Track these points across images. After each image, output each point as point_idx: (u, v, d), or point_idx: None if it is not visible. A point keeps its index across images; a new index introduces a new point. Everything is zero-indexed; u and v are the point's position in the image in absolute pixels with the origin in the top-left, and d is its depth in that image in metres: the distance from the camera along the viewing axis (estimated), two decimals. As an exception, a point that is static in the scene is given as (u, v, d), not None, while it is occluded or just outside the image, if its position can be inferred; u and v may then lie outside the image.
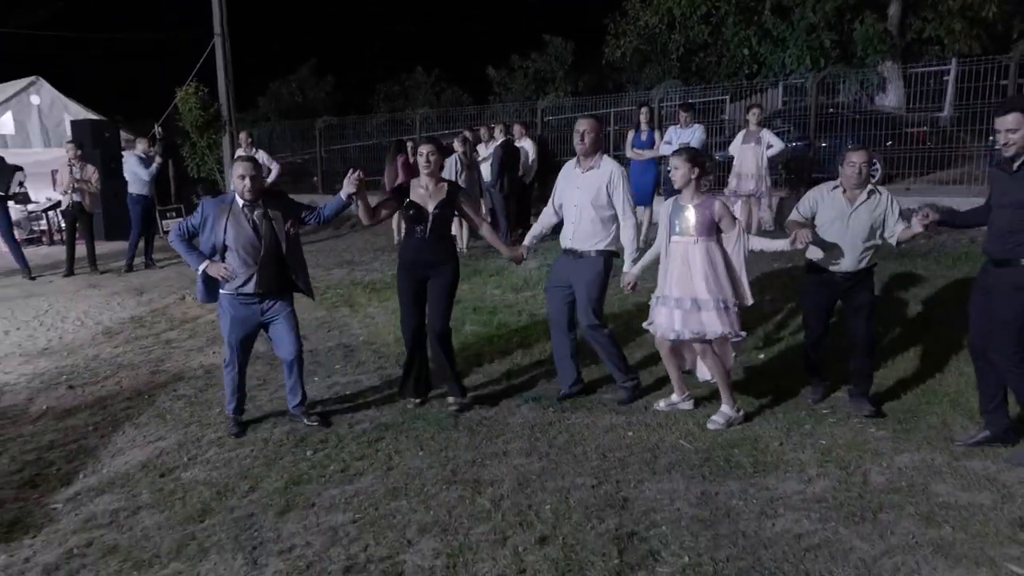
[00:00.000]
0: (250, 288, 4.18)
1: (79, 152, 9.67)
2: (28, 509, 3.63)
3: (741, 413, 4.28)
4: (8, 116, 13.38)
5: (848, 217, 4.22)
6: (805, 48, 13.28)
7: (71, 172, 9.31)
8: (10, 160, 9.54)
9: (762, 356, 5.49)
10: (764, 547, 2.96)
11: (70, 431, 4.71)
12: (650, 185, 8.80)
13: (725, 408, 4.26)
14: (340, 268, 9.50)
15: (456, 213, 4.79)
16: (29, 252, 9.80)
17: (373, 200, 4.63)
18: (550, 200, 4.88)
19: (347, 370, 5.70)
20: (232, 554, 3.04)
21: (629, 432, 4.19)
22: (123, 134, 13.54)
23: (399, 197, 4.64)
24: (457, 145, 9.81)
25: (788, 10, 13.70)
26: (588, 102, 14.80)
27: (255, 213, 4.16)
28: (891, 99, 12.58)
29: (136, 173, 9.91)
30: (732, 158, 8.61)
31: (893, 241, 4.24)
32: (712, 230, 4.17)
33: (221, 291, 4.24)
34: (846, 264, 4.25)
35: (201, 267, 4.17)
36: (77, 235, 9.60)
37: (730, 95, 13.80)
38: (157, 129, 10.49)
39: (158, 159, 10.39)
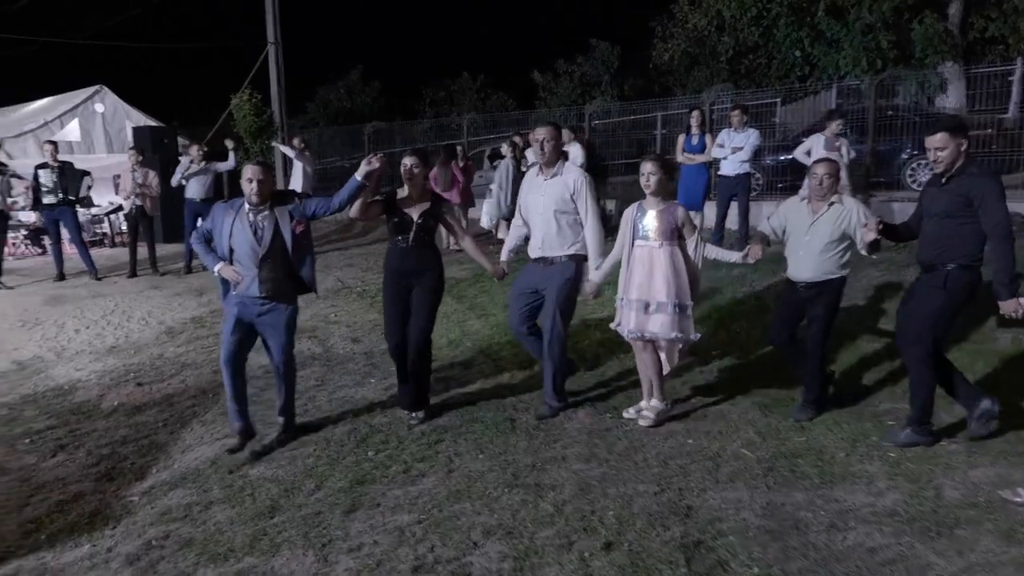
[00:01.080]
0: (253, 291, 4.16)
1: (141, 158, 10.00)
2: (107, 501, 3.78)
3: (669, 406, 4.48)
4: (75, 123, 13.90)
5: (809, 227, 4.29)
6: (861, 49, 13.00)
7: (133, 177, 9.64)
8: (76, 166, 9.92)
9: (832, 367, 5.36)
10: (836, 560, 2.91)
11: (141, 427, 4.87)
12: (701, 190, 8.70)
13: (655, 402, 4.44)
14: (350, 268, 9.66)
15: (439, 223, 4.74)
16: (92, 254, 10.15)
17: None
18: (517, 211, 4.85)
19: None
20: (303, 550, 3.11)
21: (689, 440, 4.16)
22: (180, 140, 13.98)
23: (386, 204, 4.62)
24: (506, 149, 9.86)
25: (843, 11, 13.43)
26: (637, 106, 14.76)
27: (259, 216, 4.13)
28: (952, 101, 12.24)
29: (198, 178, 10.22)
30: (785, 162, 8.45)
31: (863, 251, 4.24)
32: (675, 235, 4.26)
33: (232, 293, 4.25)
34: (807, 274, 4.31)
35: (216, 268, 4.21)
36: (139, 238, 9.92)
37: (781, 98, 13.59)
38: (229, 142, 10.81)
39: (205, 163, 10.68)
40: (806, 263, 4.31)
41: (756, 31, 14.02)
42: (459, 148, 10.62)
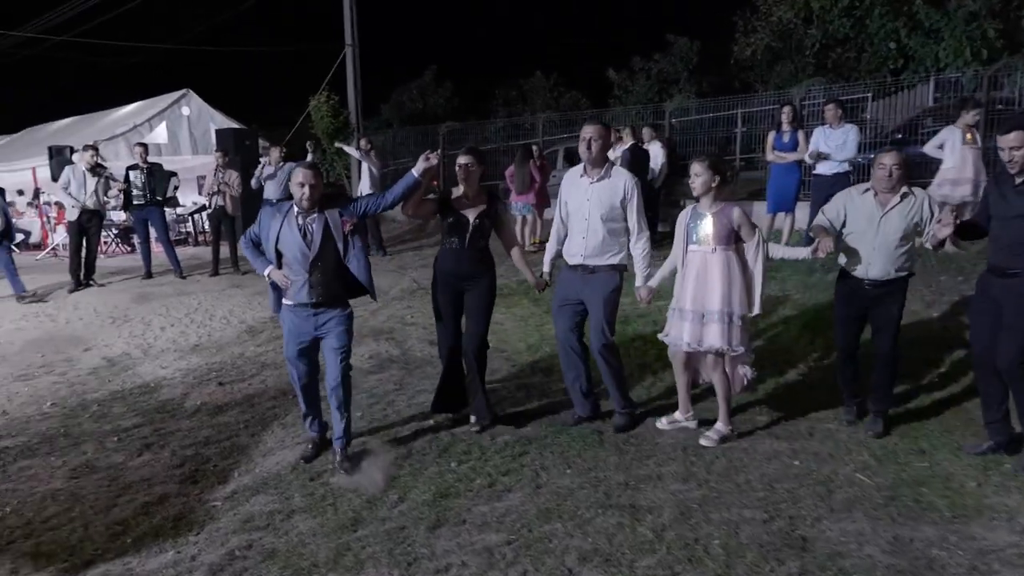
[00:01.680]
0: (304, 298, 3.96)
1: (226, 158, 10.21)
2: (190, 505, 3.74)
3: (734, 432, 4.18)
4: (162, 127, 14.42)
5: (879, 221, 3.99)
6: (964, 39, 12.12)
7: (215, 175, 9.85)
8: (164, 168, 10.22)
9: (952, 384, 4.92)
10: (984, 610, 2.56)
11: (223, 428, 4.86)
12: (792, 190, 8.23)
13: (719, 425, 4.14)
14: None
15: (493, 226, 4.47)
16: (176, 252, 10.39)
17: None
18: (557, 214, 4.50)
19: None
20: (388, 569, 2.96)
21: (795, 461, 3.83)
22: (260, 141, 14.30)
23: (441, 203, 4.43)
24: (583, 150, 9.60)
25: (943, -1, 12.58)
26: (717, 103, 14.22)
27: (308, 219, 3.93)
28: (1068, 93, 11.24)
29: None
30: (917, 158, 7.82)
31: (928, 246, 3.98)
32: (731, 239, 3.98)
33: (283, 301, 4.07)
34: (876, 271, 4.01)
35: (266, 271, 4.03)
36: (221, 237, 10.13)
37: (872, 92, 12.83)
38: (309, 144, 10.99)
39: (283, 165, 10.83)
40: (877, 259, 4.00)
41: (847, 22, 13.28)
42: (535, 147, 10.40)
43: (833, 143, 7.64)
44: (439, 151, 4.27)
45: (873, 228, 4.00)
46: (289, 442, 4.52)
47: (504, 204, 4.77)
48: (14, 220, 16.28)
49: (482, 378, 4.54)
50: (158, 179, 9.58)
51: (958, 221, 3.70)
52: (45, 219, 15.22)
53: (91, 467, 4.36)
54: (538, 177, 10.03)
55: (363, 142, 11.54)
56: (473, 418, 4.52)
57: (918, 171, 9.62)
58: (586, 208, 4.26)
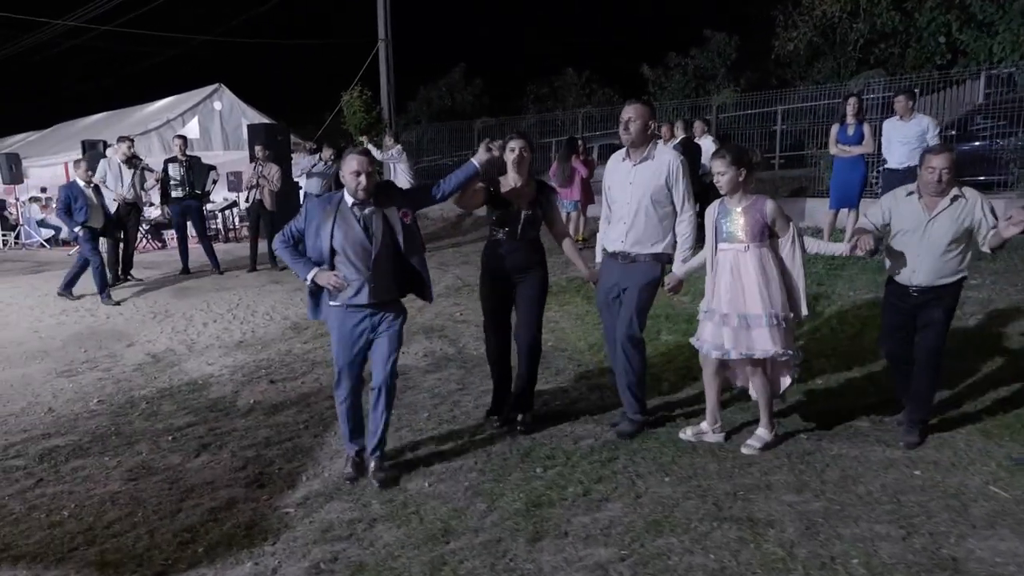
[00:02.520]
0: (363, 299, 3.56)
1: (267, 152, 10.01)
2: (261, 511, 3.48)
3: (775, 436, 3.89)
4: (195, 121, 14.28)
5: (925, 226, 3.73)
6: (1021, 32, 11.69)
7: (255, 168, 9.66)
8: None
9: None
10: None
11: (282, 428, 4.62)
12: (857, 185, 7.86)
13: (762, 431, 3.87)
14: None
15: (544, 217, 4.20)
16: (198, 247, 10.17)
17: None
18: (604, 200, 4.22)
19: (547, 377, 5.33)
20: (494, 587, 2.68)
21: (915, 471, 3.50)
22: (292, 137, 14.13)
23: (488, 191, 4.15)
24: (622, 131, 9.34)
25: (999, -9, 12.16)
26: (760, 97, 13.89)
27: (365, 211, 3.56)
28: None
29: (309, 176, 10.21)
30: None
31: (986, 248, 3.69)
32: (764, 234, 3.68)
33: (331, 303, 3.64)
34: (922, 278, 3.77)
35: (310, 276, 3.58)
36: (259, 233, 9.93)
37: (919, 88, 12.43)
38: (363, 138, 10.83)
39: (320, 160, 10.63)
40: (923, 266, 3.75)
41: (896, 16, 12.90)
42: (580, 141, 10.10)
43: (903, 136, 7.27)
44: (499, 142, 3.96)
45: (919, 233, 3.76)
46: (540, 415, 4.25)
47: (554, 191, 4.46)
48: (43, 216, 16.31)
49: (534, 374, 4.31)
50: (197, 172, 9.39)
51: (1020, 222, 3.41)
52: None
53: (148, 468, 4.12)
54: (583, 172, 9.74)
55: (388, 139, 11.26)
56: (520, 416, 4.29)
57: (970, 170, 9.25)
58: (629, 192, 3.99)
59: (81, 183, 8.19)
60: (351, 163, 3.52)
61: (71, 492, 3.83)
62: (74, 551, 3.20)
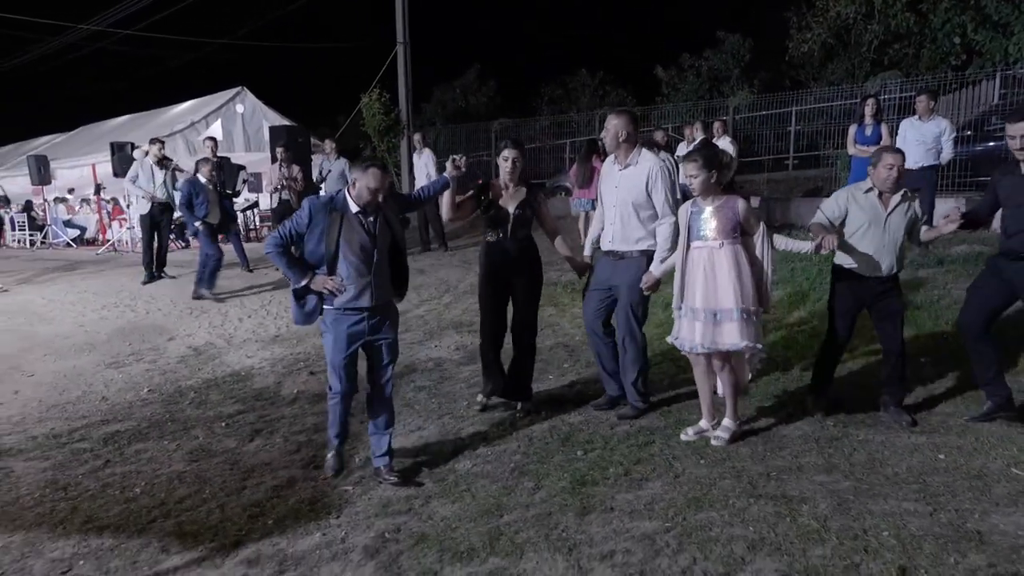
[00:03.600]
0: (364, 302, 3.62)
1: (288, 153, 10.27)
2: (321, 489, 3.71)
3: (741, 427, 4.08)
4: (218, 124, 14.55)
5: (885, 220, 4.05)
6: (1036, 33, 11.80)
7: (280, 170, 9.91)
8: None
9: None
10: None
11: (327, 415, 4.83)
12: (875, 185, 8.03)
13: (727, 422, 4.01)
14: (553, 267, 9.45)
15: (534, 215, 4.47)
16: (228, 248, 10.39)
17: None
18: (598, 201, 4.55)
19: (577, 369, 5.55)
20: (549, 554, 2.89)
21: (939, 455, 3.69)
22: (312, 139, 14.38)
23: (478, 197, 4.44)
24: (660, 137, 9.53)
25: (1015, -9, 12.26)
26: (776, 99, 14.05)
27: (369, 218, 3.63)
28: None
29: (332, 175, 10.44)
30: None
31: (922, 240, 4.17)
32: (736, 232, 3.82)
33: (326, 307, 3.66)
34: (882, 269, 4.08)
35: (304, 281, 3.57)
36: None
37: (934, 89, 12.56)
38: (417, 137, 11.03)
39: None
40: (887, 258, 4.07)
41: (911, 17, 13.02)
42: (600, 142, 10.28)
43: (920, 137, 7.43)
44: (464, 158, 4.22)
45: (880, 227, 4.05)
46: (400, 430, 4.47)
47: (543, 194, 4.74)
48: (69, 216, 16.64)
49: (531, 364, 4.62)
50: (227, 172, 9.65)
51: (962, 219, 3.91)
52: (103, 214, 15.47)
53: (207, 451, 4.37)
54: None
55: (417, 138, 11.46)
56: (520, 404, 4.61)
57: (986, 170, 9.36)
58: (615, 195, 4.31)
59: (203, 179, 8.41)
60: (371, 179, 3.54)
61: (139, 472, 4.08)
62: (152, 523, 3.44)
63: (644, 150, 4.35)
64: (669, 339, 4.09)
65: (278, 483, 3.80)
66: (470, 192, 4.49)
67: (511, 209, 4.38)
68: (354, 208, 3.60)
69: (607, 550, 2.90)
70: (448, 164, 4.13)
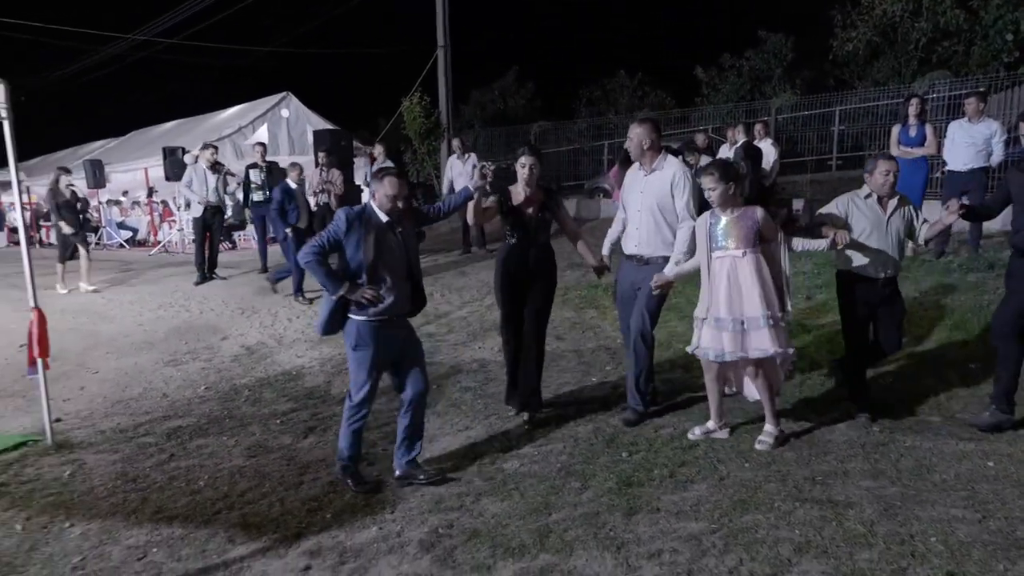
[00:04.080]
0: (397, 309, 3.68)
1: (329, 157, 10.50)
2: (376, 486, 3.85)
3: (783, 432, 4.09)
4: (264, 128, 14.91)
5: (886, 224, 4.22)
6: (1092, 29, 11.48)
7: (320, 174, 10.15)
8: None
9: None
10: None
11: (377, 414, 4.92)
12: (919, 187, 7.86)
13: (770, 427, 4.05)
14: (572, 271, 9.50)
15: (553, 219, 4.58)
16: (270, 251, 10.59)
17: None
18: (620, 205, 4.59)
19: (620, 372, 5.59)
20: (599, 552, 2.99)
21: (988, 462, 3.68)
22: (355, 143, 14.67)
23: (500, 204, 4.53)
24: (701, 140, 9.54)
25: (1069, -13, 11.94)
26: (818, 99, 13.89)
27: (398, 228, 3.69)
28: None
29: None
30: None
31: (921, 241, 4.34)
32: (756, 240, 3.93)
33: (354, 317, 3.64)
34: (891, 271, 4.26)
35: (341, 291, 3.55)
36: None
37: (984, 87, 12.27)
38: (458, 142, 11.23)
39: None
40: (890, 259, 4.23)
41: (960, 14, 12.75)
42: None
43: (970, 139, 7.30)
44: (492, 167, 4.32)
45: (882, 230, 4.19)
46: (448, 430, 4.62)
47: (559, 195, 4.86)
48: (122, 218, 17.24)
49: (540, 369, 4.69)
50: (276, 177, 9.92)
51: (963, 210, 4.03)
52: (154, 216, 16.01)
53: (264, 447, 4.55)
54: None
55: (456, 143, 11.60)
56: (523, 411, 4.65)
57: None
58: (640, 200, 4.39)
59: (294, 185, 8.59)
60: (388, 187, 3.60)
61: (201, 466, 4.28)
62: (217, 514, 3.62)
63: (669, 156, 4.43)
64: (689, 348, 4.14)
65: (333, 479, 3.96)
66: (493, 198, 4.60)
67: (531, 213, 4.49)
68: (384, 218, 3.66)
69: (654, 549, 2.98)
70: (475, 173, 4.26)
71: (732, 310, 3.88)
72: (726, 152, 9.43)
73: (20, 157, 4.65)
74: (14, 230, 20.32)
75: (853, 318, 4.36)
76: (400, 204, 3.65)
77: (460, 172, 11.02)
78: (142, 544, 3.36)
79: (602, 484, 3.64)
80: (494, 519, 3.36)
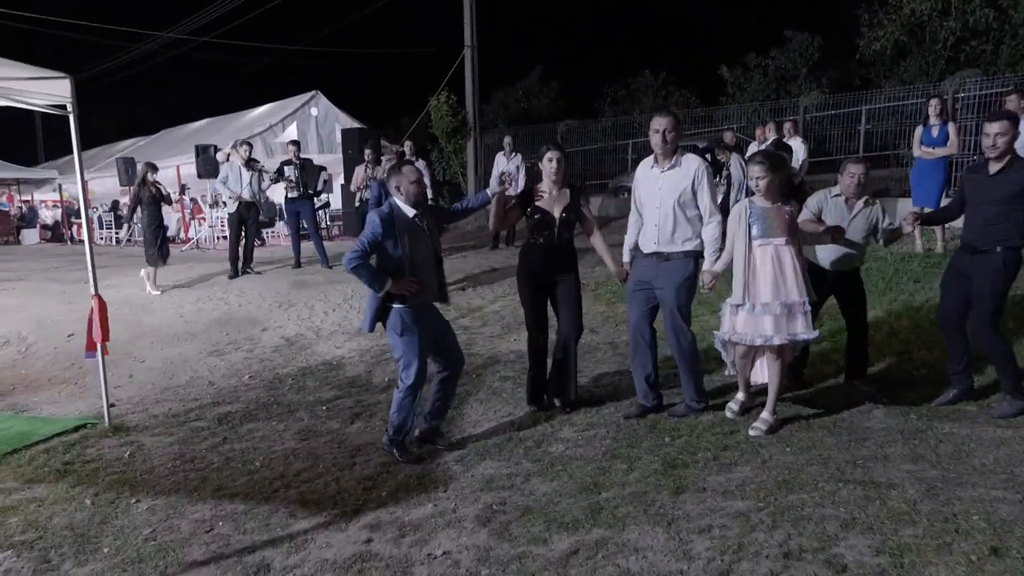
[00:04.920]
0: (432, 297, 4.03)
1: (374, 155, 10.68)
2: (426, 466, 4.00)
3: (778, 421, 4.22)
4: (293, 127, 15.19)
5: (848, 223, 4.57)
6: None
7: (366, 171, 10.34)
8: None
9: None
10: None
11: (420, 401, 5.12)
12: (937, 189, 7.85)
13: (767, 415, 4.19)
14: (601, 266, 9.61)
15: (578, 219, 4.58)
16: (303, 246, 10.79)
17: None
18: (632, 205, 4.56)
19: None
20: (650, 526, 3.10)
21: (1027, 448, 3.75)
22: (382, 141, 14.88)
23: (523, 203, 4.54)
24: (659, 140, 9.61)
25: (1101, -15, 11.86)
26: (845, 98, 13.88)
27: (425, 222, 3.98)
28: None
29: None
30: None
31: (881, 242, 4.73)
32: (794, 231, 4.13)
33: (397, 307, 3.91)
34: (840, 266, 4.67)
35: (386, 288, 3.82)
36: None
37: (1013, 86, 12.21)
38: (507, 139, 11.40)
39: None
40: (844, 256, 4.63)
41: (989, 13, 12.69)
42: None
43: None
44: (512, 175, 4.54)
45: (844, 228, 4.48)
46: (492, 416, 4.75)
47: (585, 193, 4.89)
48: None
49: (575, 365, 4.69)
50: (309, 173, 10.13)
51: (919, 220, 4.44)
52: (185, 214, 16.30)
53: (313, 432, 4.72)
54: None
55: (506, 140, 11.73)
56: (558, 401, 4.71)
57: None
58: (658, 196, 4.33)
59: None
60: (410, 174, 3.93)
61: (255, 448, 4.45)
62: (276, 492, 3.78)
63: (687, 152, 4.44)
64: (721, 334, 4.24)
65: (385, 460, 4.11)
66: (514, 201, 4.63)
67: (556, 213, 4.47)
68: (410, 212, 3.92)
69: (704, 525, 3.09)
70: (493, 180, 4.36)
71: (777, 294, 4.02)
72: (756, 150, 9.48)
73: (50, 156, 4.86)
74: (46, 227, 20.83)
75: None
76: (423, 190, 3.97)
77: (504, 169, 11.15)
78: (208, 518, 3.52)
79: (648, 466, 3.75)
80: (545, 497, 3.48)
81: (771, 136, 9.26)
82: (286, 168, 10.07)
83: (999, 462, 3.60)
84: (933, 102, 8.04)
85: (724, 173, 9.15)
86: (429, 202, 4.56)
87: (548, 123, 17.81)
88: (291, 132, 15.27)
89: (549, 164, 4.49)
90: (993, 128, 4.09)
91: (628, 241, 4.67)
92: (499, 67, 22.80)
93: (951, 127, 7.86)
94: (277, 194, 12.72)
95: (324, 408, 5.18)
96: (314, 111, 15.56)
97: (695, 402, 4.50)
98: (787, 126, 9.55)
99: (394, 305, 3.90)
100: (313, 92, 15.63)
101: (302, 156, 12.19)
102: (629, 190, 12.87)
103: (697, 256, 4.36)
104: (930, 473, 3.50)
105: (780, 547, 2.87)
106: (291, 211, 10.31)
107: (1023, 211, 4.09)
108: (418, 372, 4.00)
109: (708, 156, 10.12)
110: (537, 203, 4.52)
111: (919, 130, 8.13)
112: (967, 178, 4.42)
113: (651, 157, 4.46)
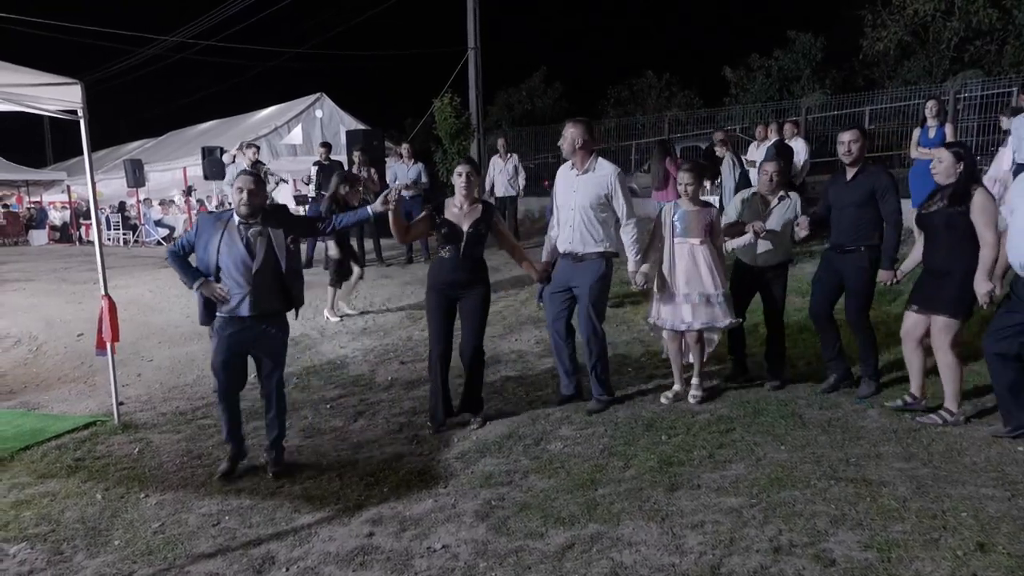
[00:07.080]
0: (244, 311, 3.82)
1: (365, 156, 10.80)
2: (427, 463, 4.08)
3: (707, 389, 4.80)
4: (298, 129, 15.31)
5: (764, 220, 4.77)
6: None
7: (359, 172, 10.45)
8: (299, 166, 10.92)
9: None
10: None
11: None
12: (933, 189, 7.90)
13: (697, 382, 4.77)
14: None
15: (489, 232, 4.50)
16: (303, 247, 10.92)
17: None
18: (552, 204, 4.71)
19: (655, 363, 5.78)
20: (644, 522, 3.18)
21: (1018, 447, 3.80)
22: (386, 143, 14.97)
23: (431, 216, 4.47)
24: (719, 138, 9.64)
25: (1104, -15, 11.87)
26: (858, 97, 13.92)
27: (251, 231, 3.82)
28: None
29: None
30: None
31: (798, 238, 4.79)
32: (709, 232, 4.60)
33: (217, 313, 3.86)
34: (760, 261, 4.86)
35: (196, 286, 3.81)
36: (365, 232, 10.70)
37: (1018, 87, 12.24)
38: (501, 141, 11.49)
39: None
40: (765, 249, 4.82)
41: (993, 13, 12.72)
42: (670, 143, 10.47)
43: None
44: (399, 192, 4.21)
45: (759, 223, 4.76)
46: (492, 414, 4.83)
47: (496, 208, 4.80)
48: (160, 217, 17.72)
49: (480, 379, 4.70)
50: (326, 175, 10.22)
51: (811, 226, 4.62)
52: (191, 215, 16.46)
53: (317, 429, 4.81)
54: (675, 174, 10.10)
55: (500, 142, 11.80)
56: (473, 418, 4.65)
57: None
58: (573, 199, 4.52)
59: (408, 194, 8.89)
60: (237, 180, 3.88)
61: (260, 445, 4.52)
62: (280, 488, 3.87)
63: (600, 158, 4.58)
64: (650, 319, 4.82)
65: (387, 457, 4.20)
66: (423, 214, 4.59)
67: (465, 227, 4.37)
68: (236, 219, 3.85)
69: (697, 520, 3.16)
70: (379, 201, 4.06)
71: (693, 286, 4.55)
72: (755, 150, 9.55)
73: (58, 158, 4.96)
74: (55, 228, 21.02)
75: (732, 291, 4.87)
76: (246, 199, 3.79)
77: (501, 170, 11.25)
78: (214, 512, 3.62)
79: (644, 463, 3.82)
80: (542, 493, 3.56)
81: (773, 137, 9.31)
82: (313, 169, 10.21)
83: (990, 460, 3.66)
84: (930, 103, 8.08)
85: (716, 182, 9.22)
86: (295, 213, 4.37)
87: (551, 124, 17.87)
88: (296, 134, 15.40)
89: (459, 179, 4.40)
90: (846, 136, 4.49)
91: (548, 244, 4.86)
92: (503, 68, 22.95)
93: (948, 128, 7.90)
94: (283, 196, 12.87)
95: (328, 406, 5.27)
96: (319, 113, 15.66)
97: (602, 395, 4.74)
98: (788, 127, 9.60)
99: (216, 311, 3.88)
100: (318, 94, 15.74)
101: (303, 158, 12.36)
102: (634, 191, 12.91)
103: (610, 257, 4.59)
104: (922, 471, 3.57)
105: (770, 542, 2.95)
106: (314, 212, 10.42)
107: (876, 211, 4.44)
108: (218, 378, 3.96)
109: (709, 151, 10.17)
110: (446, 216, 4.44)
111: (917, 132, 8.18)
112: (830, 184, 4.76)
113: (571, 161, 4.61)
